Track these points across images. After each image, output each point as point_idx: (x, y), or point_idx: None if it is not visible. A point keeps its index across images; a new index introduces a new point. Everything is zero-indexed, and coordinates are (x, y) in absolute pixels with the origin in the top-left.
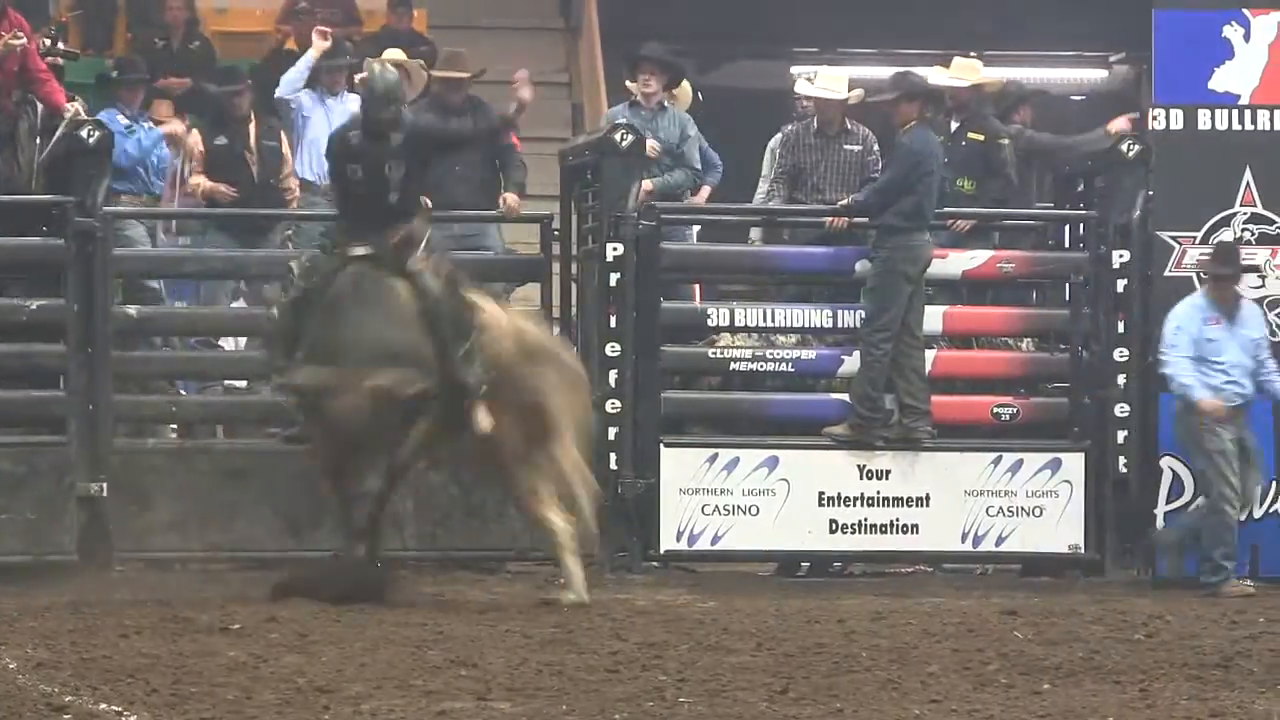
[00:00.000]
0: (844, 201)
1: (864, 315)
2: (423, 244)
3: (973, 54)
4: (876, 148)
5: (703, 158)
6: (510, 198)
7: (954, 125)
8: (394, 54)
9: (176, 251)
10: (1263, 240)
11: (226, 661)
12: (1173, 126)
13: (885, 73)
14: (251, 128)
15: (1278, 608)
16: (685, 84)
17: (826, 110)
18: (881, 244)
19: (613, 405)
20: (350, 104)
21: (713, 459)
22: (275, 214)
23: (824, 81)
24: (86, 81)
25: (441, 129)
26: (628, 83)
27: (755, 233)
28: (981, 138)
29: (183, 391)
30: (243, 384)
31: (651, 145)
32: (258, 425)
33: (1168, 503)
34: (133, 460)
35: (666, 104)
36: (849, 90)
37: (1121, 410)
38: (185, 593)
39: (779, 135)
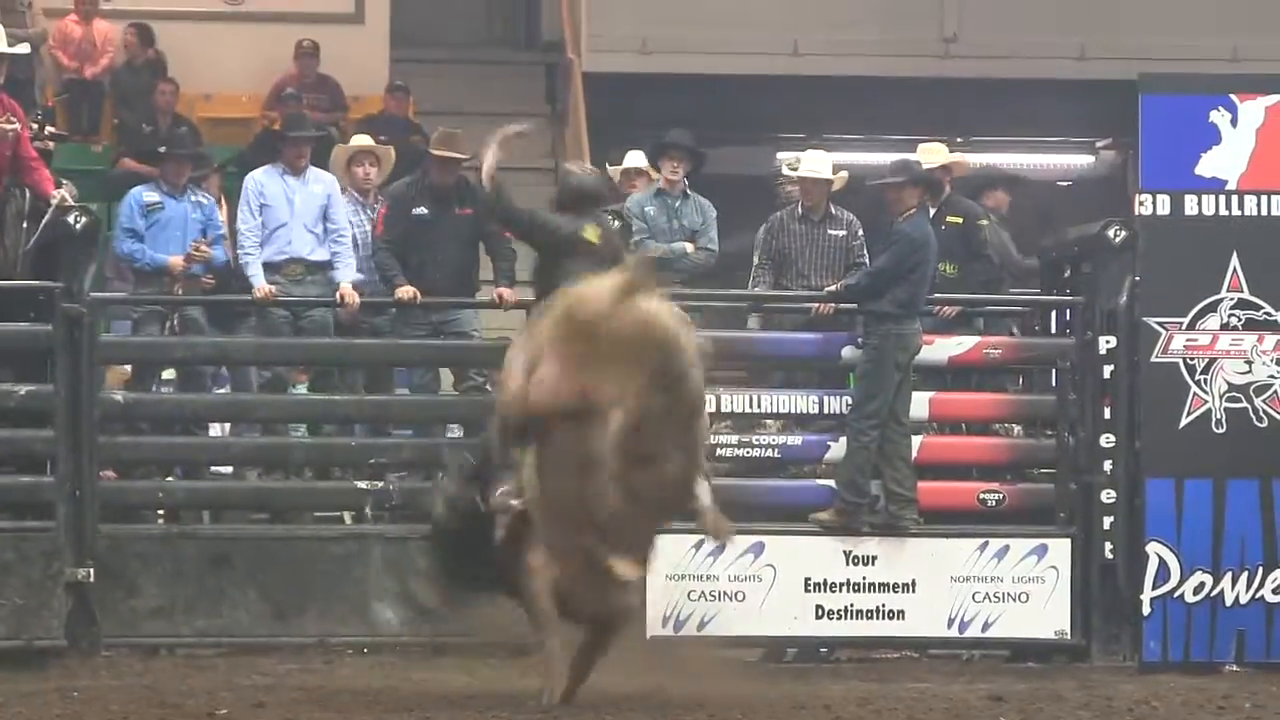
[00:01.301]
0: (834, 286)
1: (851, 401)
2: None
3: (959, 139)
4: (861, 233)
5: None
6: (505, 291)
7: (932, 211)
8: (361, 139)
9: (164, 340)
10: (1249, 326)
11: None
12: (1159, 212)
13: (871, 158)
14: (223, 213)
15: (1264, 693)
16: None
17: (812, 194)
18: (873, 331)
19: None
20: (314, 184)
21: (699, 545)
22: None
23: (809, 164)
24: (74, 167)
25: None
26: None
27: (753, 320)
28: (960, 220)
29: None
30: (228, 470)
31: (686, 247)
32: (244, 510)
33: (1154, 588)
34: (120, 545)
35: (688, 191)
36: (834, 173)
37: (1108, 496)
38: (172, 679)
39: (765, 221)
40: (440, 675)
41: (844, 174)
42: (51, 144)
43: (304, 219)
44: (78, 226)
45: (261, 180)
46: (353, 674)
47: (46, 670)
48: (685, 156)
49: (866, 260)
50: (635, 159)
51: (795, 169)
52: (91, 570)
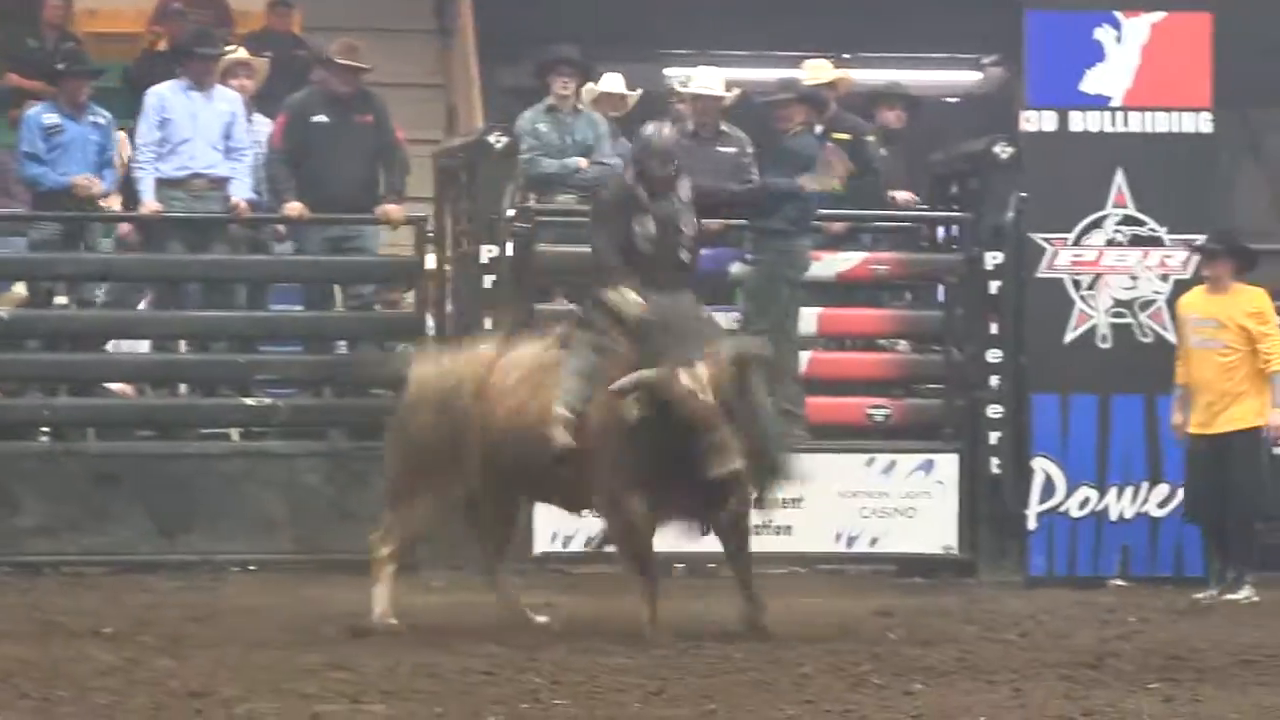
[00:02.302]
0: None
1: (741, 318)
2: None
3: (845, 55)
4: (751, 150)
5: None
6: (390, 208)
7: (819, 128)
8: (239, 53)
9: (49, 256)
10: (1134, 242)
11: (99, 665)
12: (1045, 128)
13: (758, 75)
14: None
15: (1149, 607)
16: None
17: (705, 111)
18: (763, 248)
19: None
20: (219, 101)
21: None
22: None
23: (702, 80)
24: None
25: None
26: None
27: None
28: (847, 137)
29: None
30: (117, 386)
31: (580, 162)
32: (130, 427)
33: (1040, 503)
34: (3, 463)
35: (580, 106)
36: (726, 90)
37: (994, 411)
38: (57, 597)
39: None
40: (328, 592)
41: (736, 90)
42: None
43: (207, 136)
44: None
45: (165, 95)
46: (239, 592)
47: None
48: (574, 72)
49: (756, 177)
50: (613, 82)
51: (686, 86)
52: None
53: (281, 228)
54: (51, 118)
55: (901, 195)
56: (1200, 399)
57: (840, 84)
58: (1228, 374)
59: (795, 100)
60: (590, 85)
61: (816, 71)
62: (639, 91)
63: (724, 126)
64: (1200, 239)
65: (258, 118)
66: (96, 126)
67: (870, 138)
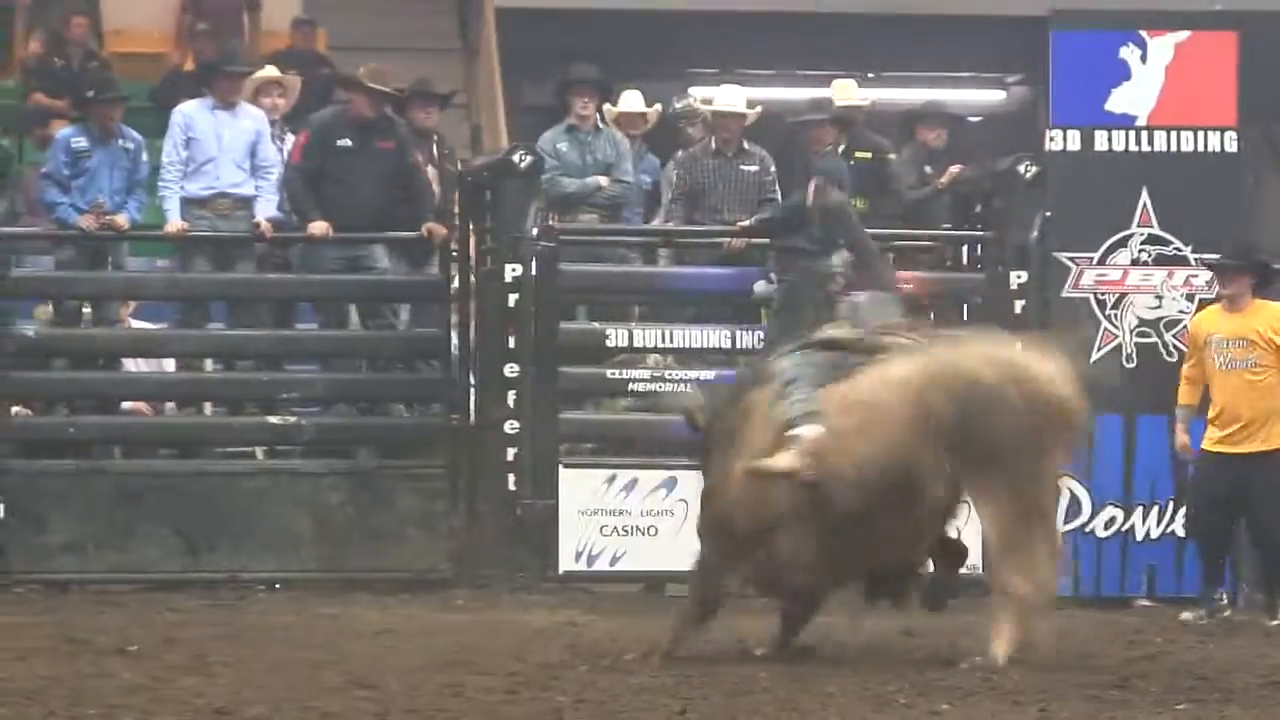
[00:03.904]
0: (747, 221)
1: (766, 337)
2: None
3: (870, 75)
4: (773, 169)
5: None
6: (435, 226)
7: (841, 146)
8: (269, 71)
9: (73, 275)
10: (1160, 261)
11: (124, 684)
12: (1070, 148)
13: (782, 93)
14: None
15: (1174, 628)
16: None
17: (726, 128)
18: (789, 267)
19: (511, 426)
20: (244, 119)
21: (611, 480)
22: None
23: (724, 98)
24: None
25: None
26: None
27: (664, 253)
28: (869, 155)
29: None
30: (141, 405)
31: (601, 181)
32: (156, 445)
33: (1065, 522)
34: (30, 481)
35: (600, 124)
36: (748, 108)
37: None
38: (83, 615)
39: (678, 156)
40: (352, 610)
41: (758, 109)
42: None
43: (233, 154)
44: None
45: (190, 113)
46: (264, 610)
47: None
48: (594, 91)
49: (778, 195)
50: (631, 100)
51: (710, 104)
52: (1, 506)
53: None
54: (80, 142)
55: (954, 169)
56: (1228, 419)
57: (868, 104)
58: (1262, 393)
59: (827, 121)
60: (608, 105)
61: (844, 91)
62: (657, 108)
63: (746, 145)
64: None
65: (290, 137)
66: (126, 151)
67: (891, 156)
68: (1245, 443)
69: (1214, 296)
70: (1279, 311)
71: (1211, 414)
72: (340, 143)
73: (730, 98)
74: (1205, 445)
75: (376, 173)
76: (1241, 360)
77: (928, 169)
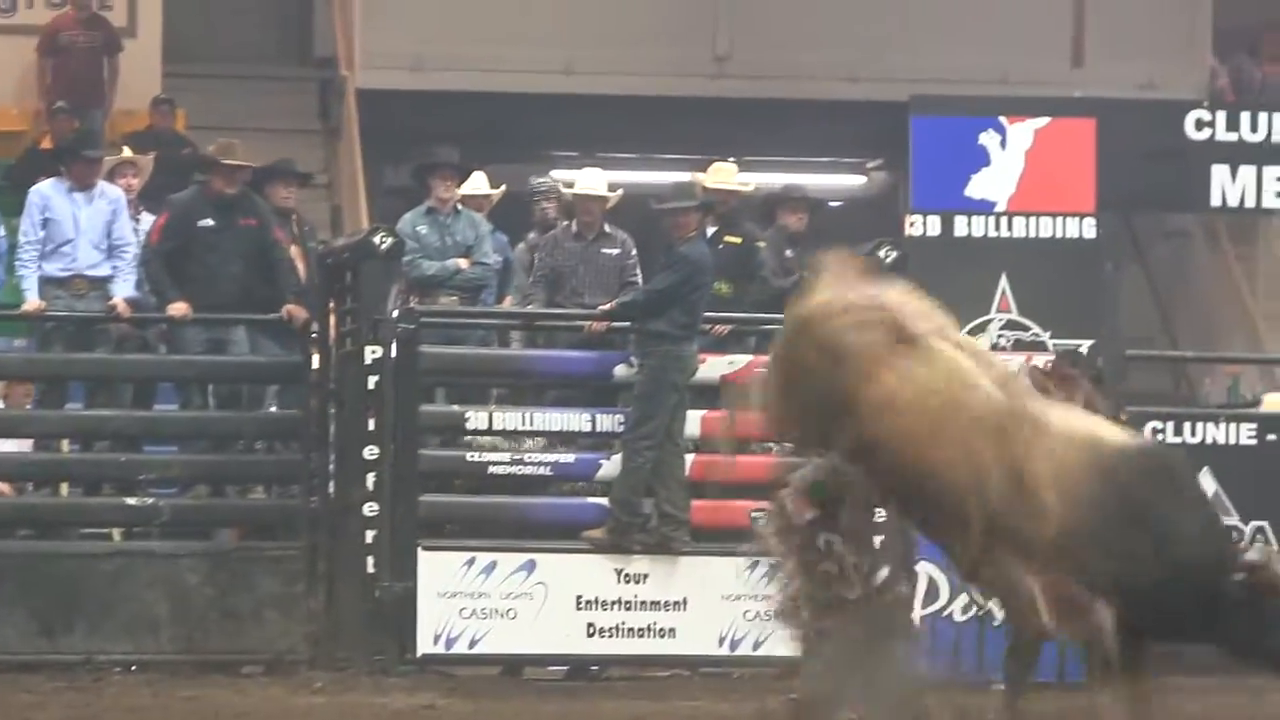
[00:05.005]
0: (607, 305)
1: (628, 421)
2: None
3: (731, 159)
4: (634, 252)
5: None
6: (294, 309)
7: (710, 230)
8: (124, 152)
9: None
10: (1018, 346)
11: None
12: (930, 232)
13: (645, 176)
14: None
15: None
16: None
17: (587, 211)
18: (649, 351)
19: (370, 509)
20: (100, 200)
21: (470, 562)
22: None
23: (585, 181)
24: None
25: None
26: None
27: (516, 336)
28: (739, 241)
29: None
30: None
31: (460, 263)
32: (10, 526)
33: (923, 605)
34: None
35: (459, 206)
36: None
37: None
38: None
39: (530, 237)
40: (210, 692)
41: (619, 191)
42: None
43: (90, 235)
44: None
45: (48, 194)
46: (120, 692)
47: None
48: (454, 174)
49: (639, 279)
50: (477, 183)
51: (571, 187)
52: None
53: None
54: None
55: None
56: None
57: (743, 191)
58: None
59: (694, 208)
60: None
61: (720, 175)
62: (503, 188)
63: (608, 228)
64: (1085, 344)
65: (145, 216)
66: None
67: (760, 244)
68: None
69: None
70: None
71: None
72: (202, 222)
73: (591, 180)
74: None
75: (239, 250)
76: None
77: (788, 253)
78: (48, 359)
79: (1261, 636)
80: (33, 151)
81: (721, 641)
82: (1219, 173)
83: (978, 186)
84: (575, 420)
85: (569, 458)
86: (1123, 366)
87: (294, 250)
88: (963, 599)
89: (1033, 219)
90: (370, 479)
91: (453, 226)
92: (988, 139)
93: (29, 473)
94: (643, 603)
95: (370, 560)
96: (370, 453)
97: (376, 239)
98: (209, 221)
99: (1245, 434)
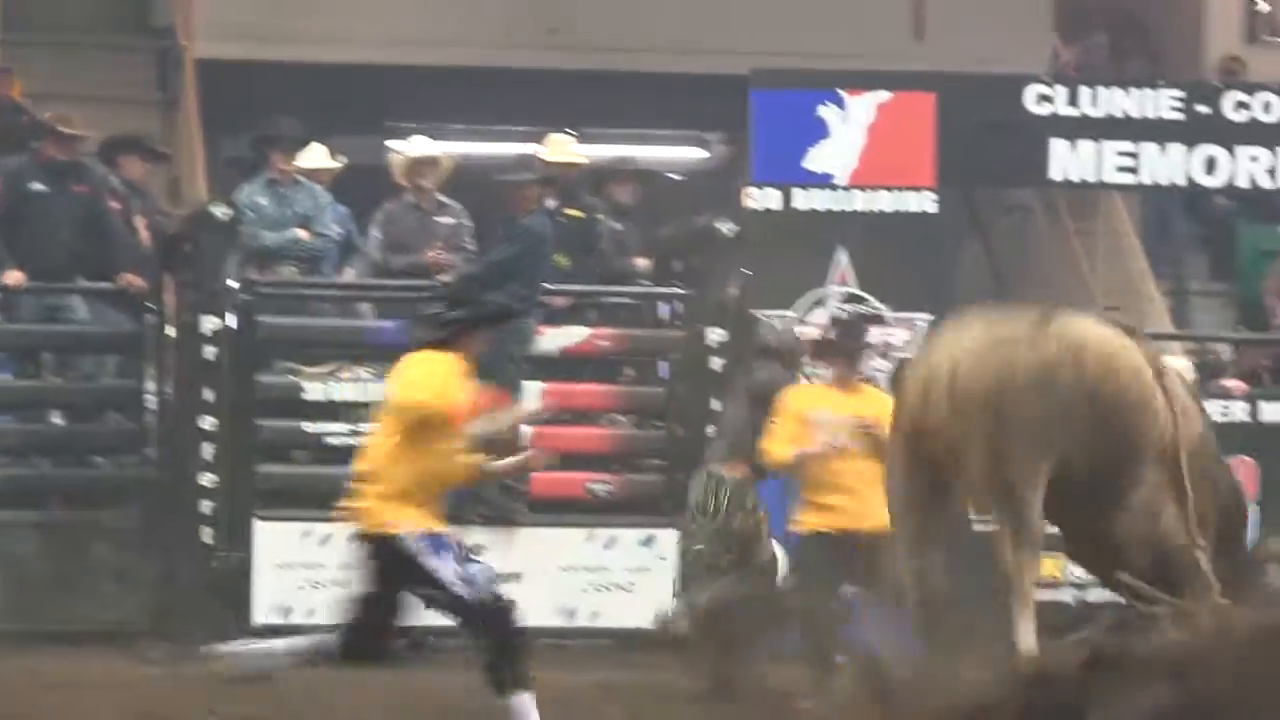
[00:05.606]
0: (447, 276)
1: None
2: None
3: (569, 131)
4: (469, 222)
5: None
6: (132, 277)
7: (550, 203)
8: None
9: None
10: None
11: None
12: (769, 205)
13: (480, 148)
14: None
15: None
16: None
17: (420, 176)
18: None
19: (208, 480)
20: None
21: (307, 534)
22: None
23: (417, 147)
24: None
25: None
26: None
27: (366, 306)
28: (580, 214)
29: None
30: None
31: (300, 234)
32: None
33: None
34: None
35: (299, 178)
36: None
37: None
38: None
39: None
40: (44, 662)
41: (453, 157)
42: None
43: None
44: None
45: None
46: None
47: None
48: (294, 145)
49: (474, 249)
50: (316, 156)
51: (402, 154)
52: None
53: None
54: None
55: (643, 263)
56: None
57: (582, 163)
58: None
59: (534, 181)
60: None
61: (559, 148)
62: (341, 162)
63: (442, 198)
64: (923, 317)
65: None
66: None
67: (600, 217)
68: None
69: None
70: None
71: None
72: (33, 186)
73: (423, 146)
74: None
75: (71, 216)
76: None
77: (618, 225)
78: None
79: None
80: None
81: (559, 612)
82: (1058, 147)
83: (817, 160)
84: None
85: None
86: None
87: (139, 221)
88: None
89: (872, 193)
90: (207, 449)
91: (292, 198)
92: (827, 112)
93: None
94: None
95: (207, 531)
96: (208, 423)
97: (214, 210)
98: (39, 186)
99: None
